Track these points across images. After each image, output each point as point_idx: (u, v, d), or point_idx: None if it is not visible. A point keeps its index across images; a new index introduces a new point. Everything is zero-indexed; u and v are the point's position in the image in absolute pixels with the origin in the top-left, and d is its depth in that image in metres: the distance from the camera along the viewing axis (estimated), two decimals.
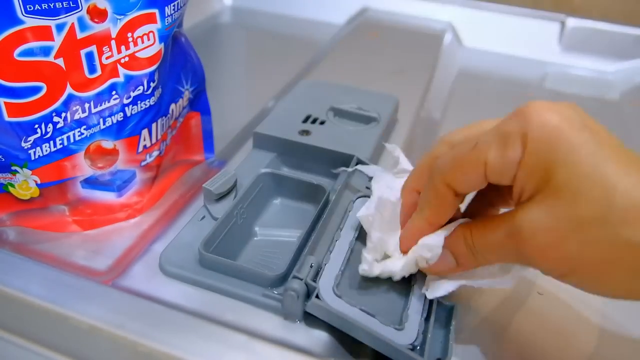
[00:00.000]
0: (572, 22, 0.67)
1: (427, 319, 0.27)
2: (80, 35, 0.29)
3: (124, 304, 0.27)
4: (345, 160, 0.36)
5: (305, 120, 0.41)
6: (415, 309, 0.27)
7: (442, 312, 0.29)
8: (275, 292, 0.28)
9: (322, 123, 0.41)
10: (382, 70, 0.57)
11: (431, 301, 0.28)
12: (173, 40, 0.34)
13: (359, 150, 0.37)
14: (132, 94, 0.31)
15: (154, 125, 0.33)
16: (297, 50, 0.65)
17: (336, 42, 0.65)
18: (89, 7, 0.29)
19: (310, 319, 0.27)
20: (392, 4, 0.73)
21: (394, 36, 0.67)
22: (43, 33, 0.28)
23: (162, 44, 0.32)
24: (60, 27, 0.28)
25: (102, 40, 0.30)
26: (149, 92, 0.32)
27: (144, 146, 0.33)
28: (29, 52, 0.28)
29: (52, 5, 0.28)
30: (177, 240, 0.31)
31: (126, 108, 0.31)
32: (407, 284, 0.29)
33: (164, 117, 0.34)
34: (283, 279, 0.28)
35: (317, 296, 0.26)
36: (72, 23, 0.28)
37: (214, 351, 0.25)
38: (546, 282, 0.34)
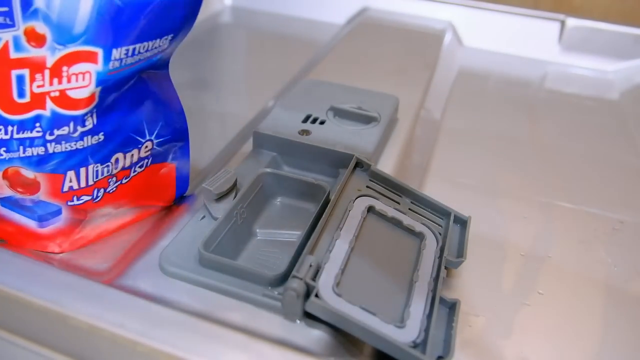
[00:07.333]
0: (572, 22, 0.67)
1: (429, 316, 0.27)
2: (13, 55, 0.27)
3: (124, 304, 0.27)
4: (345, 160, 0.36)
5: (305, 120, 0.41)
6: (417, 306, 0.27)
7: (444, 309, 0.29)
8: (276, 292, 0.28)
9: (322, 123, 0.41)
10: (382, 70, 0.57)
11: (433, 298, 0.28)
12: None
13: (359, 150, 0.37)
14: (57, 132, 0.29)
15: (82, 169, 0.30)
16: (297, 50, 0.65)
17: (336, 42, 0.65)
18: (26, 28, 0.27)
19: (310, 319, 0.27)
20: (392, 3, 0.73)
21: (394, 36, 0.67)
22: None
23: (99, 87, 0.29)
24: None
25: (36, 67, 0.28)
26: (75, 135, 0.29)
27: (70, 187, 0.30)
28: None
29: None
30: (177, 240, 0.31)
31: (48, 144, 0.29)
32: (410, 281, 0.29)
33: (98, 165, 0.31)
34: (283, 279, 0.28)
35: (316, 295, 0.26)
36: (7, 41, 0.27)
37: (214, 351, 0.25)
38: (546, 282, 0.34)
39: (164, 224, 0.34)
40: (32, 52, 0.27)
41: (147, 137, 0.32)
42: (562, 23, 0.68)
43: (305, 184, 0.35)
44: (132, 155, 0.32)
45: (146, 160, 0.33)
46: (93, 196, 0.31)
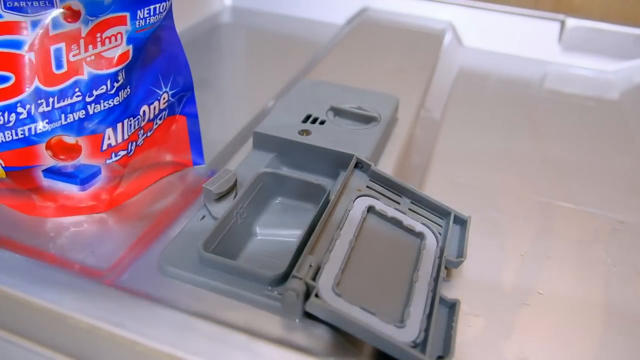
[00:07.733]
0: (572, 22, 0.67)
1: (429, 316, 0.27)
2: (52, 32, 0.30)
3: (124, 304, 0.27)
4: (345, 160, 0.36)
5: (305, 120, 0.41)
6: (417, 306, 0.27)
7: (444, 309, 0.29)
8: (275, 292, 0.28)
9: (322, 123, 0.41)
10: (382, 70, 0.57)
11: (433, 298, 0.28)
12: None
13: (359, 150, 0.37)
14: (95, 93, 0.32)
15: (119, 125, 0.33)
16: (297, 50, 0.65)
17: (336, 42, 0.65)
18: (64, 7, 0.30)
19: (310, 319, 0.27)
20: (392, 4, 0.73)
21: (394, 36, 0.67)
22: (18, 28, 0.29)
23: (131, 45, 0.32)
24: (35, 24, 0.29)
25: (72, 39, 0.30)
26: (112, 92, 0.32)
27: (109, 145, 0.33)
28: (2, 44, 0.29)
29: (29, 3, 0.29)
30: (177, 240, 0.31)
31: (88, 106, 0.32)
32: (410, 281, 0.29)
33: (131, 118, 0.34)
34: (283, 279, 0.28)
35: (316, 295, 0.26)
36: (47, 21, 0.29)
37: (214, 351, 0.25)
38: (546, 282, 0.34)
39: (164, 224, 0.34)
40: (68, 27, 0.30)
41: (164, 89, 0.36)
42: (562, 23, 0.68)
43: (305, 184, 0.35)
44: (154, 107, 0.35)
45: (164, 112, 0.37)
46: (128, 150, 0.34)
